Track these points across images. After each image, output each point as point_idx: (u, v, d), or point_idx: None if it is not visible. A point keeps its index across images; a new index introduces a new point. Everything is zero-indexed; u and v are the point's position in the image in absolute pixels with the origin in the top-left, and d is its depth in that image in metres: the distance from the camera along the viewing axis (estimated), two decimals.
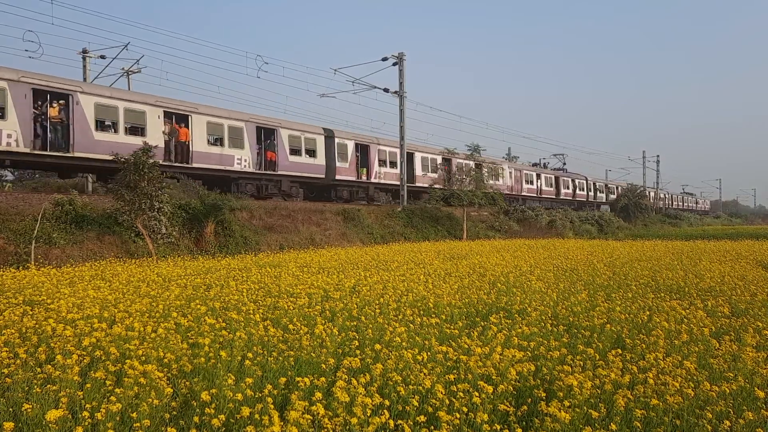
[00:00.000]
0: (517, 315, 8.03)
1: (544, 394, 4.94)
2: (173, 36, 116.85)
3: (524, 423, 4.67)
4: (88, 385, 4.58)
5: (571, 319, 7.89)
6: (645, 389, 4.89)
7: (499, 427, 4.30)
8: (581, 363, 5.67)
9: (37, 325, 6.53)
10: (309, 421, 3.97)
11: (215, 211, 21.85)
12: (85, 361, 5.25)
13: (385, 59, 34.93)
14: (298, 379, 4.78)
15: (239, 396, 4.41)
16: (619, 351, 6.09)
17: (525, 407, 4.83)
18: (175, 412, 4.39)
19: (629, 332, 7.07)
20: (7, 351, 5.25)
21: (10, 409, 4.21)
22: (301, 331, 6.50)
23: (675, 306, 8.48)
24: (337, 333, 6.60)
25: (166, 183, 19.98)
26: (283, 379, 4.95)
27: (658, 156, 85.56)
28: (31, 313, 7.34)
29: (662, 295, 10.00)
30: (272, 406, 4.25)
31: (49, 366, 4.99)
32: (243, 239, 22.44)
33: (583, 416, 4.49)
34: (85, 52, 32.77)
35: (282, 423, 3.95)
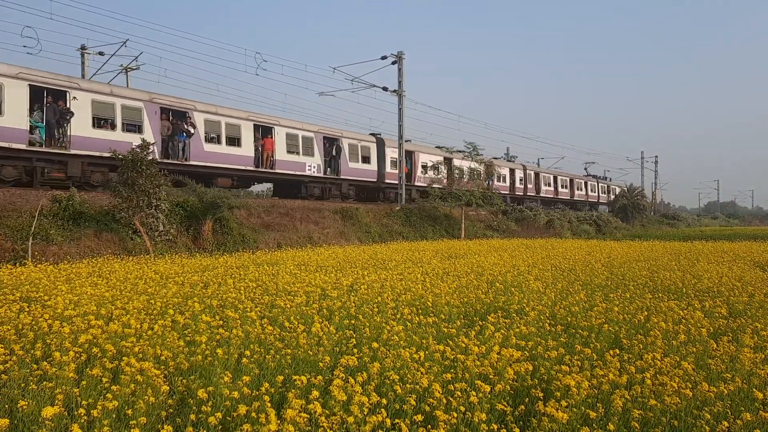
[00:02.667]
0: (515, 315, 8.02)
1: (541, 394, 4.93)
2: (172, 33, 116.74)
3: (522, 423, 4.67)
4: (84, 383, 4.56)
5: (569, 319, 7.88)
6: (643, 389, 4.89)
7: (496, 427, 4.29)
8: (579, 363, 5.66)
9: (33, 322, 6.50)
10: (306, 419, 3.96)
11: (213, 208, 21.82)
12: (81, 358, 5.22)
13: (384, 58, 34.95)
14: (295, 377, 4.76)
15: (236, 394, 4.39)
16: (617, 351, 6.08)
17: (522, 407, 4.82)
18: (171, 410, 4.38)
19: (627, 332, 7.07)
20: (3, 348, 5.23)
21: (6, 406, 4.19)
22: (299, 330, 6.48)
23: (673, 306, 8.48)
24: (334, 331, 6.58)
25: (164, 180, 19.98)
26: (280, 378, 4.93)
27: (656, 157, 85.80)
28: (27, 309, 7.32)
29: (660, 295, 10.00)
30: (269, 405, 4.23)
31: (46, 363, 4.97)
32: (241, 237, 22.42)
33: (580, 416, 4.48)
34: (83, 48, 32.73)
35: (279, 421, 3.93)
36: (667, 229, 57.43)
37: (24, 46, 38.75)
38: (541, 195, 56.19)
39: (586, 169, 75.18)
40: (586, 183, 67.49)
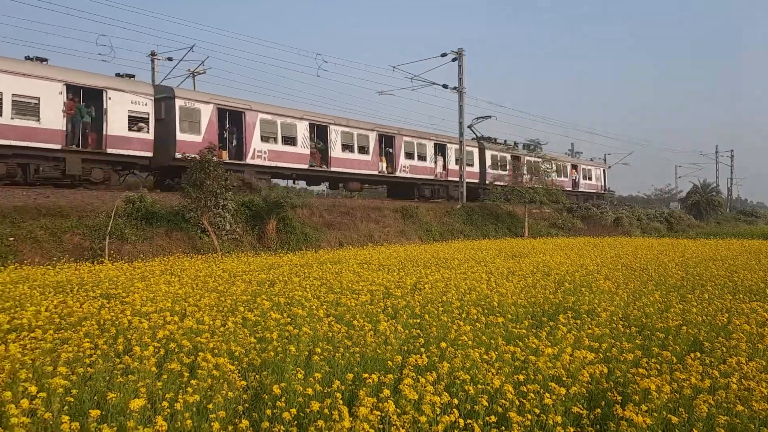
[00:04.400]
0: (585, 315, 7.80)
1: (619, 398, 4.76)
2: (237, 37, 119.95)
3: (598, 426, 4.53)
4: (165, 376, 4.72)
5: (643, 320, 7.60)
6: (728, 394, 4.65)
7: (572, 430, 4.17)
8: (657, 366, 5.44)
9: (114, 318, 6.79)
10: (378, 417, 3.96)
11: (277, 208, 22.27)
12: (160, 352, 5.41)
13: (444, 55, 34.79)
14: (365, 375, 4.78)
15: (309, 390, 4.44)
16: (698, 354, 5.81)
17: (598, 410, 4.67)
18: (247, 405, 4.46)
19: (707, 335, 6.75)
20: (89, 342, 5.47)
21: (95, 398, 4.38)
22: (366, 328, 6.51)
23: (756, 308, 8.04)
24: (401, 330, 6.57)
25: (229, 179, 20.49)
26: (350, 375, 4.96)
27: (731, 151, 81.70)
28: (108, 305, 7.64)
29: (741, 296, 9.50)
30: (341, 402, 4.26)
31: (127, 357, 5.17)
32: (303, 236, 22.79)
33: (661, 421, 4.30)
34: (153, 54, 34.07)
35: (351, 419, 3.95)
36: (745, 226, 54.56)
37: (99, 54, 40.66)
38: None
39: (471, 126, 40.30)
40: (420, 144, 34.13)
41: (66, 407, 3.96)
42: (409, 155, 33.23)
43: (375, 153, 31.11)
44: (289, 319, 6.93)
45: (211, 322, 6.53)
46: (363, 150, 30.50)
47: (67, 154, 19.82)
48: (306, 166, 27.61)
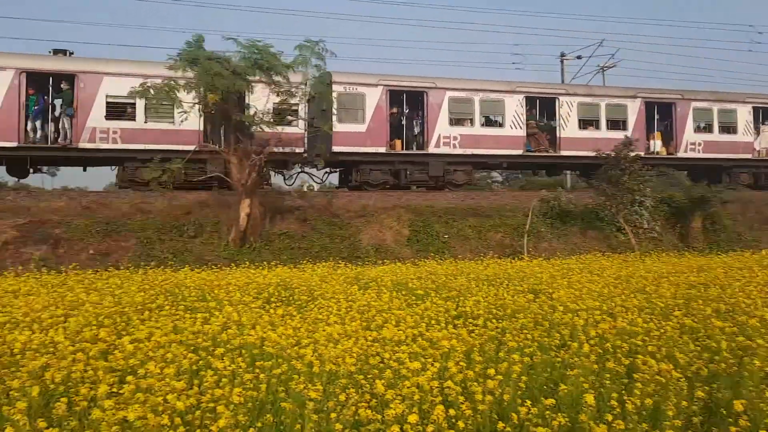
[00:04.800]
0: None
1: None
2: (651, 24, 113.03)
3: None
4: (607, 375, 4.63)
5: None
6: None
7: None
8: None
9: (545, 313, 7.05)
10: None
11: (702, 204, 20.15)
12: (595, 350, 5.35)
13: None
14: None
15: None
16: None
17: None
18: (700, 417, 4.03)
19: None
20: (526, 333, 5.80)
21: (543, 387, 4.59)
22: None
23: None
24: None
25: (648, 176, 19.39)
26: None
27: None
28: (537, 300, 7.99)
29: None
30: None
31: (563, 351, 5.28)
32: (736, 235, 20.07)
33: None
34: (562, 55, 35.04)
35: None
36: None
37: (513, 63, 43.95)
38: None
39: None
40: None
41: (519, 392, 4.25)
42: (702, 128, 24.39)
43: (639, 128, 23.32)
44: (735, 329, 6.04)
45: (644, 325, 6.17)
46: (617, 125, 23.17)
47: (208, 155, 18.16)
48: (520, 152, 22.31)
